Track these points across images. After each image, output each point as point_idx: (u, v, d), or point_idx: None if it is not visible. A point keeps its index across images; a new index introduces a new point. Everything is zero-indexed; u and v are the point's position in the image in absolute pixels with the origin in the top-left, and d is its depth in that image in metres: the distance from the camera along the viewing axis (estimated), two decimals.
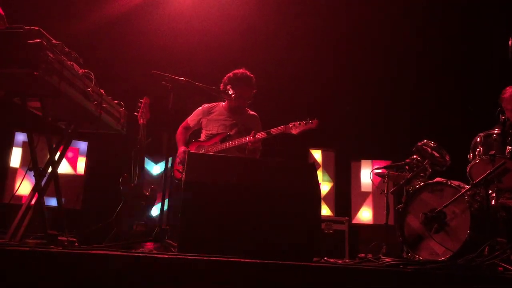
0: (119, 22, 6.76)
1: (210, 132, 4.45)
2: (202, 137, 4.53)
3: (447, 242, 3.73)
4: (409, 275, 2.26)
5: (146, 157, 6.49)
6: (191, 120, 4.66)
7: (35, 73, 2.63)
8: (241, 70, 4.44)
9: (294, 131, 3.99)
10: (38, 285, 1.92)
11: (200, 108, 4.65)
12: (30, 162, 3.05)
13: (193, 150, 4.42)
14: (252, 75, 4.44)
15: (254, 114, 4.56)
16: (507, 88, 4.36)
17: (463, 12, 6.97)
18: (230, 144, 4.25)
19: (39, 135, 3.10)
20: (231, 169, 2.98)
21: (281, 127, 4.05)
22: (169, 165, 3.90)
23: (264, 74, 6.35)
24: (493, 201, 3.67)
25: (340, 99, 7.68)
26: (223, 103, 4.56)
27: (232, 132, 4.37)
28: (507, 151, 3.63)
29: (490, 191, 3.69)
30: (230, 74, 4.44)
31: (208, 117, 4.54)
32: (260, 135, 4.12)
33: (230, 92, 4.34)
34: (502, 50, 3.49)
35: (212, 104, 4.63)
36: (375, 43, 7.40)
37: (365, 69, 7.50)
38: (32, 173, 3.05)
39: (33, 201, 3.07)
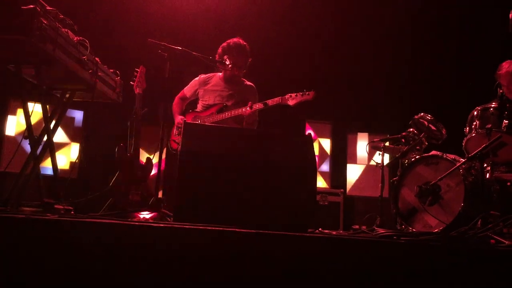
0: None
1: (207, 103, 4.43)
2: (199, 107, 4.51)
3: (440, 215, 3.77)
4: (402, 246, 2.29)
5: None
6: (187, 90, 4.63)
7: (29, 40, 2.60)
8: (234, 39, 4.39)
9: (291, 103, 3.97)
10: (34, 253, 1.93)
11: (196, 78, 4.61)
12: (25, 131, 3.04)
13: (189, 120, 4.40)
14: (245, 43, 4.39)
15: (251, 85, 4.53)
16: (503, 63, 4.33)
17: None
18: (226, 114, 4.23)
19: (34, 103, 3.08)
20: (228, 139, 2.97)
21: (278, 99, 4.03)
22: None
23: (261, 46, 6.30)
24: (487, 174, 3.69)
25: (338, 71, 7.63)
26: (220, 74, 4.52)
27: (228, 103, 4.35)
28: (503, 125, 3.63)
29: (485, 165, 3.70)
30: (224, 43, 4.39)
31: (204, 88, 4.50)
32: (257, 106, 4.10)
33: (227, 62, 4.30)
34: (502, 23, 3.45)
35: (209, 74, 4.59)
36: (373, 16, 7.31)
37: (363, 41, 7.44)
38: (27, 141, 3.05)
39: (28, 170, 3.07)
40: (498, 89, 3.78)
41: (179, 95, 4.66)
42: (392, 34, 7.36)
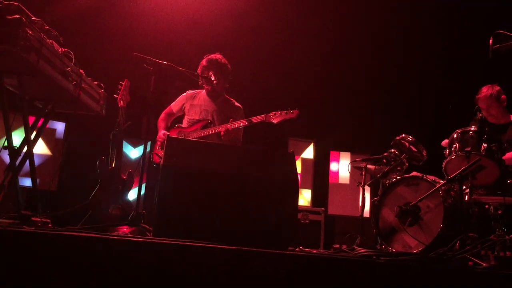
0: (103, 3, 6.64)
1: (192, 118, 4.43)
2: (184, 123, 4.51)
3: (420, 236, 3.80)
4: (381, 266, 2.30)
5: (125, 141, 6.42)
6: (174, 105, 4.64)
7: (13, 49, 2.58)
8: (212, 55, 4.43)
9: (274, 120, 3.99)
10: (9, 265, 1.89)
11: (184, 94, 4.63)
12: (5, 141, 3.00)
13: (173, 135, 4.39)
14: (218, 56, 4.42)
15: (239, 106, 4.54)
16: (482, 88, 4.43)
17: (445, 10, 7.05)
18: (211, 131, 4.23)
19: (15, 114, 3.04)
20: (210, 155, 2.97)
21: (262, 116, 4.05)
22: (148, 149, 3.87)
23: (247, 64, 6.35)
24: (466, 197, 3.73)
25: (321, 91, 7.71)
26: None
27: (214, 119, 4.35)
28: (482, 148, 3.69)
29: (464, 187, 3.75)
30: (203, 61, 4.42)
31: (191, 102, 4.52)
32: (241, 122, 4.11)
33: (212, 78, 4.32)
34: (483, 48, 3.54)
35: (196, 90, 4.61)
36: (359, 37, 7.43)
37: (348, 62, 7.54)
38: (6, 151, 3.00)
39: (6, 181, 3.02)
40: (478, 112, 3.85)
41: (165, 110, 4.67)
42: (376, 55, 7.47)
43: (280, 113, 3.99)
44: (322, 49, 7.50)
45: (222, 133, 4.11)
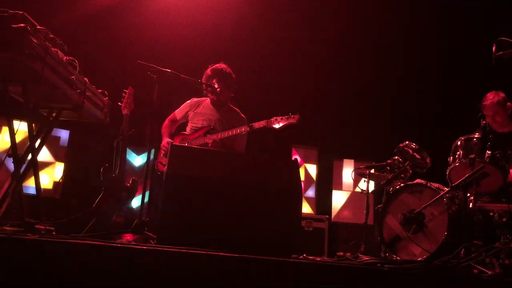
0: (107, 12, 6.69)
1: (195, 125, 4.44)
2: (187, 130, 4.51)
3: (424, 243, 3.78)
4: (385, 274, 2.29)
5: (128, 148, 6.44)
6: (178, 112, 4.64)
7: (18, 58, 2.59)
8: (216, 65, 4.43)
9: (276, 126, 3.99)
10: (14, 273, 1.90)
11: (188, 101, 4.63)
12: (10, 148, 3.01)
13: (177, 142, 4.40)
14: (223, 66, 4.43)
15: (244, 117, 4.52)
16: (488, 94, 4.42)
17: (448, 16, 7.05)
18: (214, 137, 4.22)
19: (19, 121, 3.05)
20: (214, 163, 2.97)
21: (263, 122, 4.05)
22: (151, 156, 3.88)
23: (250, 70, 6.36)
24: (470, 204, 3.72)
25: (325, 98, 7.71)
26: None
27: (216, 127, 4.35)
28: (486, 155, 3.68)
29: (468, 194, 3.74)
30: (207, 71, 4.42)
31: (195, 110, 4.52)
32: (243, 129, 4.11)
33: (216, 86, 4.33)
34: (486, 55, 3.54)
35: (201, 98, 4.61)
36: (361, 45, 7.44)
37: (351, 69, 7.54)
38: (11, 159, 3.01)
39: (11, 188, 3.03)
40: (482, 120, 3.85)
41: (169, 117, 4.67)
42: (379, 62, 7.48)
43: (282, 118, 3.99)
44: (325, 55, 7.51)
45: (217, 139, 4.11)
